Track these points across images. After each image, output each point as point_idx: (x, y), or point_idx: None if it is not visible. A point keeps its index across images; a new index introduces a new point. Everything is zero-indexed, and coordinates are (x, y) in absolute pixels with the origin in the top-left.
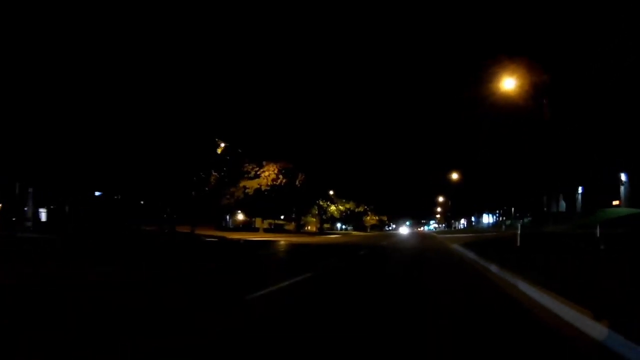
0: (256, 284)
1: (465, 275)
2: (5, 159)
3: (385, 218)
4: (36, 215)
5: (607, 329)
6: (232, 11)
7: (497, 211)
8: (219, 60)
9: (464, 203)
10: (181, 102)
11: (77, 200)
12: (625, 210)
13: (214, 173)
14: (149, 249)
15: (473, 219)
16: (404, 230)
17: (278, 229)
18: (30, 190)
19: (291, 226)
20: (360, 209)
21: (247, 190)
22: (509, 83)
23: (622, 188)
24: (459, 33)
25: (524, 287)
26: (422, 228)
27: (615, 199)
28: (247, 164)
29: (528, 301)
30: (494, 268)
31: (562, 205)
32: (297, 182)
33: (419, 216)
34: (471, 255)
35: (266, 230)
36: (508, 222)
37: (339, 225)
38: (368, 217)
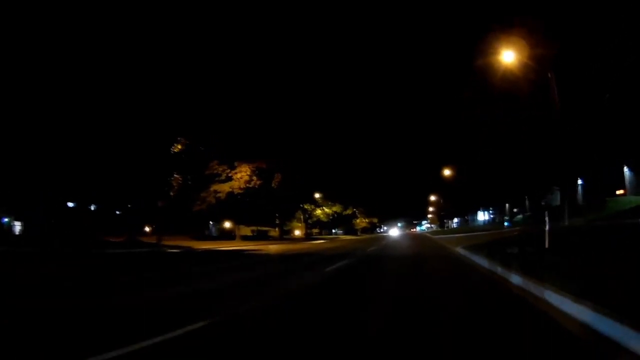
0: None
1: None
2: None
3: (376, 220)
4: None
5: None
6: None
7: (491, 208)
8: (175, 45)
9: (458, 201)
10: (128, 91)
11: (37, 210)
12: (635, 199)
13: (176, 176)
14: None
15: (466, 217)
16: (395, 232)
17: (262, 236)
18: None
19: (277, 232)
20: (349, 211)
21: (218, 195)
22: (508, 56)
23: (626, 176)
24: (446, 15)
25: None
26: (415, 229)
27: (619, 189)
28: (217, 166)
29: None
30: (556, 299)
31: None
32: (273, 184)
33: (411, 217)
34: (491, 266)
35: (246, 238)
36: (506, 218)
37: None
38: (358, 220)
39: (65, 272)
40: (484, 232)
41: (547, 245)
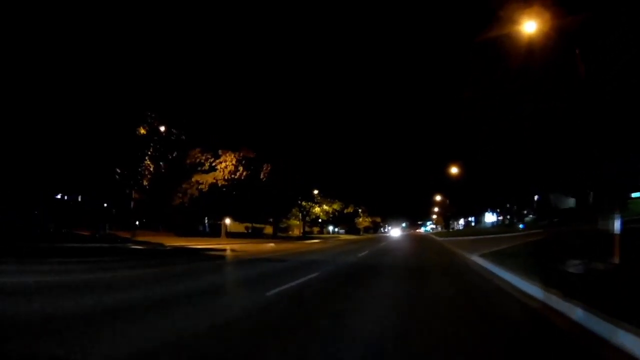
0: None
1: None
2: None
3: (379, 219)
4: None
5: None
6: None
7: (498, 209)
8: (151, 20)
9: (465, 201)
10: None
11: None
12: None
13: (147, 162)
14: None
15: (471, 218)
16: (396, 232)
17: (256, 234)
18: None
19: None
20: (350, 209)
21: (200, 186)
22: (527, 27)
23: None
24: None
25: None
26: (419, 229)
27: (634, 190)
28: (199, 154)
29: None
30: None
31: (571, 200)
32: (261, 175)
33: (415, 217)
34: (553, 299)
35: (236, 236)
36: (514, 220)
37: (331, 228)
38: (360, 219)
39: None
40: (499, 235)
41: (617, 260)
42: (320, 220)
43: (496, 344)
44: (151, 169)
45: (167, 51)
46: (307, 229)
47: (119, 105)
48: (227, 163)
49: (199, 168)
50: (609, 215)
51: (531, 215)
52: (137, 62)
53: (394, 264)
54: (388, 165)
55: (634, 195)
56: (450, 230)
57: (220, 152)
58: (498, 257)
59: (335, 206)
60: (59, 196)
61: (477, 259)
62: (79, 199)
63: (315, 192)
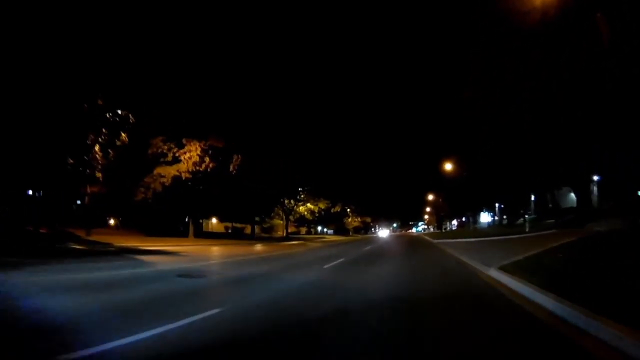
0: None
1: None
2: None
3: (369, 220)
4: None
5: None
6: None
7: (494, 209)
8: None
9: (461, 199)
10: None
11: None
12: None
13: (96, 151)
14: None
15: (464, 219)
16: (384, 233)
17: (237, 234)
18: None
19: (256, 229)
20: (337, 208)
21: (162, 180)
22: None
23: None
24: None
25: None
26: (411, 230)
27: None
28: (161, 143)
29: None
30: None
31: (572, 198)
32: (231, 167)
33: (407, 217)
34: None
35: (215, 236)
36: (521, 220)
37: (320, 228)
38: (349, 219)
39: None
40: (504, 237)
41: None
42: (310, 219)
43: None
44: (99, 157)
45: (123, 24)
46: (293, 229)
47: (64, 85)
48: (192, 153)
49: (162, 159)
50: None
51: (527, 216)
52: (86, 34)
53: (371, 290)
54: (378, 163)
55: None
56: (443, 230)
57: (184, 141)
58: (544, 276)
59: (321, 205)
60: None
61: (503, 277)
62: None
63: (300, 189)
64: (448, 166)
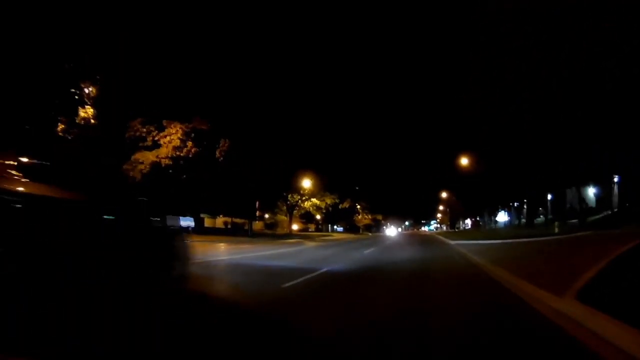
0: None
1: None
2: None
3: (380, 217)
4: None
5: None
6: None
7: (510, 208)
8: None
9: (477, 197)
10: None
11: None
12: None
13: (59, 129)
14: None
15: (478, 218)
16: (392, 232)
17: (237, 230)
18: None
19: (258, 225)
20: (346, 204)
21: (140, 167)
22: None
23: None
24: None
25: None
26: (422, 228)
27: None
28: (139, 126)
29: None
30: None
31: (590, 197)
32: (217, 153)
33: (419, 215)
34: None
35: (213, 232)
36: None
37: (329, 225)
38: (360, 216)
39: None
40: (536, 239)
41: None
42: (317, 216)
43: None
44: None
45: None
46: (301, 225)
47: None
48: (173, 137)
49: (141, 144)
50: None
51: (542, 216)
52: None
53: None
54: (391, 158)
55: None
56: (456, 230)
57: (164, 122)
58: None
59: (328, 200)
60: None
61: (600, 322)
62: None
63: (304, 182)
64: (464, 161)
